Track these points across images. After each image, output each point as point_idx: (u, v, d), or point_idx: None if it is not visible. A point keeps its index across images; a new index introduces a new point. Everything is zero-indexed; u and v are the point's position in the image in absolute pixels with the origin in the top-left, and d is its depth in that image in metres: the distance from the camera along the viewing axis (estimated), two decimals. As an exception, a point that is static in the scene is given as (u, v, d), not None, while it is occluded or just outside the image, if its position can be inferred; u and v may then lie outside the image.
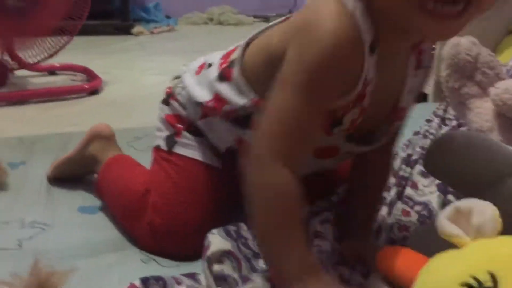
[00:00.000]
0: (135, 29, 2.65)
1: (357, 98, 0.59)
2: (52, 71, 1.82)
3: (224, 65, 0.71)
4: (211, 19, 3.04)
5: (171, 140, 0.79)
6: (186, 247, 0.74)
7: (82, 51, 2.09)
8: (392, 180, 0.82)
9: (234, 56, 0.70)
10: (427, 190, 0.79)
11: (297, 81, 0.55)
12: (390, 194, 0.80)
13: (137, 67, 2.09)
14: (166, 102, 0.81)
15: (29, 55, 1.67)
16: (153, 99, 1.60)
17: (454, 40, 0.82)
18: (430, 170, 0.65)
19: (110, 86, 1.73)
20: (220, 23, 2.99)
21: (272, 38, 0.65)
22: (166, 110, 0.81)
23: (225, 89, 0.70)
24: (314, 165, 0.70)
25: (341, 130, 0.63)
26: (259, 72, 0.66)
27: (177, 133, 0.79)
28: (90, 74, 1.76)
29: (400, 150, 0.96)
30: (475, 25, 0.68)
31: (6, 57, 1.62)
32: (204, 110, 0.74)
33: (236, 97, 0.69)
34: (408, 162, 0.90)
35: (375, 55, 0.57)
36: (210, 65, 0.75)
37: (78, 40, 1.77)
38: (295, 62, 0.56)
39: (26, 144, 1.03)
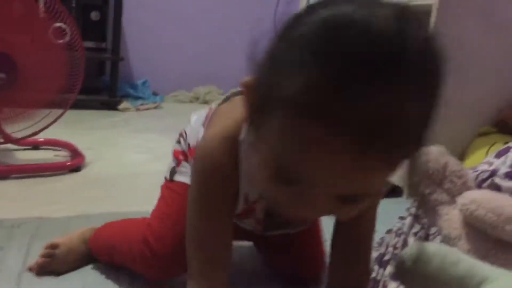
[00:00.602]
0: (122, 105, 2.71)
1: (246, 212, 0.73)
2: (35, 146, 1.84)
3: (209, 113, 0.83)
4: (197, 98, 3.13)
5: (173, 170, 0.90)
6: (174, 268, 0.81)
7: (68, 125, 2.12)
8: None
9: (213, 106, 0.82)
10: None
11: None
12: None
13: (121, 144, 2.12)
14: (178, 140, 0.92)
15: (16, 128, 1.68)
16: (134, 178, 1.64)
17: (424, 149, 0.88)
18: (401, 281, 0.67)
19: (93, 163, 1.75)
20: (206, 102, 3.08)
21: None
22: (176, 147, 0.92)
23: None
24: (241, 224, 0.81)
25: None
26: None
27: (178, 164, 0.90)
28: (73, 150, 1.78)
29: (373, 249, 0.99)
30: (444, 131, 0.72)
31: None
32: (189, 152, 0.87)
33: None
34: (381, 262, 0.92)
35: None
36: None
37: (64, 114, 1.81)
38: None
39: (5, 228, 1.03)
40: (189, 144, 0.88)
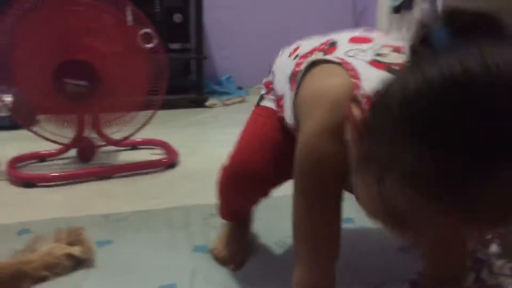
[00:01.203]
0: (209, 102, 2.79)
1: None
2: (134, 146, 1.95)
3: (296, 69, 0.78)
4: (281, 89, 3.15)
5: (261, 97, 0.95)
6: (246, 193, 0.86)
7: (161, 125, 2.22)
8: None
9: (301, 68, 0.75)
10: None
11: None
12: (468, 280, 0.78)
13: (211, 139, 2.19)
14: (269, 71, 0.97)
15: (114, 131, 1.79)
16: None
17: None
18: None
19: (187, 159, 1.82)
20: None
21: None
22: (267, 78, 0.97)
23: (286, 97, 0.80)
24: None
25: None
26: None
27: (267, 92, 0.94)
28: (167, 148, 1.87)
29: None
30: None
31: (94, 135, 1.76)
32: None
33: (288, 110, 0.78)
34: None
35: None
36: (296, 56, 0.83)
37: (156, 114, 1.89)
38: None
39: (112, 223, 1.11)
40: (273, 73, 0.92)
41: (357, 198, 0.59)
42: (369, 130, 0.52)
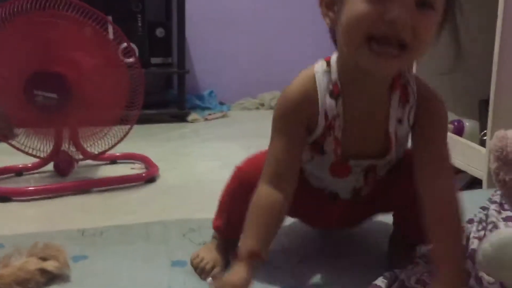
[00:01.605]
0: (191, 117, 2.78)
1: (325, 131, 0.81)
2: (113, 160, 1.92)
3: None
4: (262, 104, 3.15)
5: None
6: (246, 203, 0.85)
7: (141, 140, 2.20)
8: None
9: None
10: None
11: (273, 127, 0.84)
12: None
13: (192, 153, 2.17)
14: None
15: (92, 145, 1.77)
16: (206, 186, 1.67)
17: (500, 133, 0.84)
18: (486, 269, 0.64)
19: (167, 173, 1.80)
20: (271, 108, 3.09)
21: None
22: None
23: None
24: (337, 185, 0.89)
25: (338, 151, 0.83)
26: None
27: None
28: (147, 162, 1.85)
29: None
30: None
31: (72, 148, 1.74)
32: None
33: None
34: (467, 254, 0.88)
35: (339, 98, 0.79)
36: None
37: (138, 129, 1.88)
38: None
39: (88, 237, 1.09)
40: None
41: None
42: None
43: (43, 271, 0.91)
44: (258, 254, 0.78)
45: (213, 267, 0.95)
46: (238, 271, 0.76)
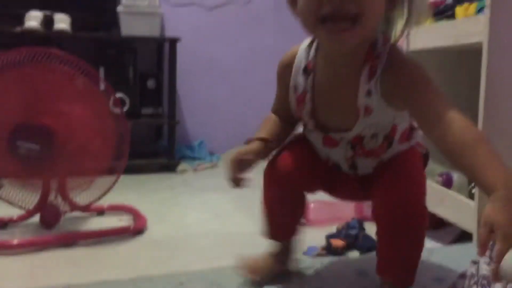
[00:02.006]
0: (180, 167, 2.78)
1: (298, 101, 0.93)
2: (100, 212, 1.90)
3: None
4: (252, 154, 3.16)
5: None
6: (286, 196, 0.99)
7: (130, 190, 2.19)
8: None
9: None
10: None
11: None
12: None
13: (181, 204, 2.15)
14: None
15: (79, 196, 1.75)
16: (195, 238, 1.65)
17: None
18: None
19: (155, 226, 1.78)
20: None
21: None
22: None
23: None
24: (330, 154, 0.97)
25: (312, 123, 0.94)
26: None
27: None
28: (135, 214, 1.83)
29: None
30: None
31: (59, 200, 1.72)
32: None
33: None
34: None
35: (310, 73, 0.90)
36: None
37: (126, 179, 1.87)
38: None
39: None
40: None
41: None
42: None
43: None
44: (266, 138, 0.98)
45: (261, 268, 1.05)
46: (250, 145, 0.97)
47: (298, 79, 0.91)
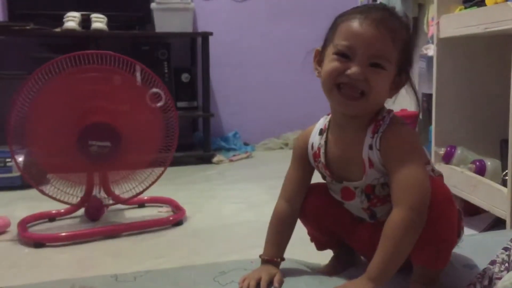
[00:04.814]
0: (216, 158, 2.84)
1: (314, 157, 1.06)
2: (141, 204, 1.98)
3: None
4: (286, 144, 3.20)
5: None
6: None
7: (168, 182, 2.26)
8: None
9: None
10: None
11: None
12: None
13: (218, 195, 2.22)
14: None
15: (124, 189, 1.84)
16: (231, 228, 1.71)
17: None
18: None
19: (193, 216, 1.85)
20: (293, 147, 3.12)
21: None
22: None
23: None
24: (349, 207, 1.07)
25: (328, 177, 1.06)
26: None
27: None
28: (174, 205, 1.90)
29: (476, 281, 0.96)
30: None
31: (102, 193, 1.80)
32: None
33: None
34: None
35: (324, 133, 1.05)
36: None
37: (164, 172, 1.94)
38: None
39: (121, 283, 1.12)
40: None
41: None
42: None
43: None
44: (273, 260, 1.06)
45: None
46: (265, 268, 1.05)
47: (315, 139, 1.06)
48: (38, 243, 1.58)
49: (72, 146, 1.65)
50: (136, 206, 1.97)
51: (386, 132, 0.98)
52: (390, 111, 1.02)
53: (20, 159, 1.97)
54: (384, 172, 0.99)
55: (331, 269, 1.14)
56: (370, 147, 0.98)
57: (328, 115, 1.09)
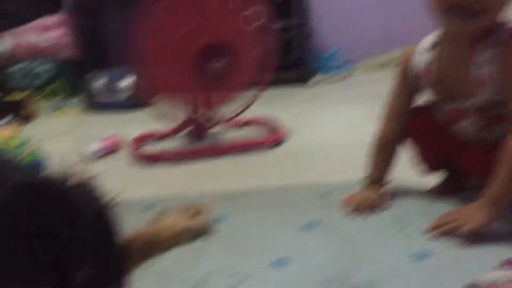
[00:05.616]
0: (314, 79, 2.79)
1: (421, 77, 1.05)
2: (241, 125, 2.02)
3: None
4: (389, 63, 3.05)
5: None
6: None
7: (266, 103, 2.26)
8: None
9: None
10: None
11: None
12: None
13: (316, 116, 2.20)
14: None
15: (225, 110, 1.88)
16: (332, 150, 1.70)
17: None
18: None
19: (293, 137, 1.85)
20: (398, 66, 2.98)
21: None
22: None
23: None
24: (458, 130, 1.06)
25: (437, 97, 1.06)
26: None
27: None
28: (274, 126, 1.92)
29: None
30: None
31: (206, 114, 1.85)
32: None
33: None
34: None
35: (434, 50, 1.03)
36: None
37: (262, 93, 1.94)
38: None
39: (227, 200, 1.18)
40: None
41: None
42: None
43: (189, 229, 1.03)
44: (379, 181, 1.11)
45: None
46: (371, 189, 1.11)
47: (422, 58, 1.05)
48: (151, 160, 1.68)
49: (189, 66, 1.68)
50: (238, 127, 2.01)
51: (507, 45, 0.94)
52: (507, 22, 0.98)
53: (130, 80, 2.06)
54: (500, 90, 0.95)
55: (440, 190, 1.12)
56: (486, 62, 0.95)
57: (436, 32, 1.06)
